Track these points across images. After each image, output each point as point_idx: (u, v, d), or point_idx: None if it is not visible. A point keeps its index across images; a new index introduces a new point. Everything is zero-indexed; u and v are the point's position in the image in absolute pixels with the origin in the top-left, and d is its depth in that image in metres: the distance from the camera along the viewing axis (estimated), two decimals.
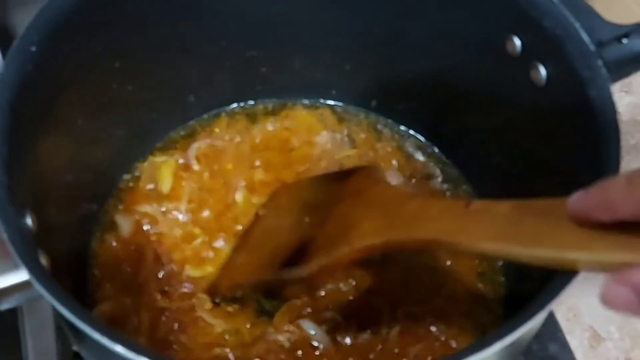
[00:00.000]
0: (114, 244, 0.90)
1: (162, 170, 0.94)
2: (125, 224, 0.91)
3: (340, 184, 0.84)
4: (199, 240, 0.90)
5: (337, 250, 0.76)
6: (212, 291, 0.86)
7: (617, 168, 0.66)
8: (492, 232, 0.66)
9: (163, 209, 0.92)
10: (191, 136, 0.98)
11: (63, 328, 0.82)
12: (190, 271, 0.88)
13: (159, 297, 0.86)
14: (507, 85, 0.82)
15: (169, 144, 0.98)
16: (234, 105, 1.01)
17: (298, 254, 0.79)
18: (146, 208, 0.91)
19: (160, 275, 0.87)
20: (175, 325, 0.84)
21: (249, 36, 0.93)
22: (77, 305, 0.61)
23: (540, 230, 0.63)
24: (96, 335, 0.58)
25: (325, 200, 0.84)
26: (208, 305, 0.85)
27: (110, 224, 0.91)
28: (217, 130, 0.99)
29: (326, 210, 0.82)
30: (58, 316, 0.81)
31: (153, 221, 0.91)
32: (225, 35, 0.92)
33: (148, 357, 0.57)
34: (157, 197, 0.93)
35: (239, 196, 0.93)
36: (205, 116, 1.00)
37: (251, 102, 1.01)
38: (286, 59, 0.96)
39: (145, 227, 0.91)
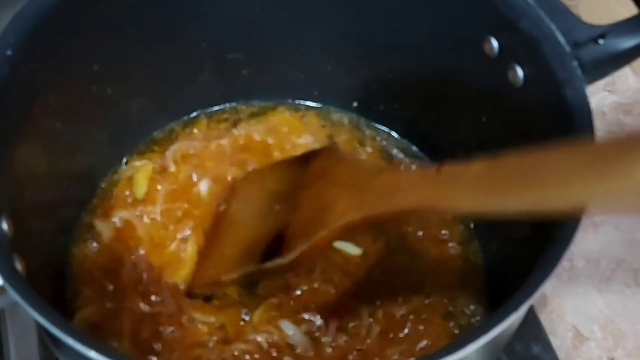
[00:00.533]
0: (93, 249, 0.89)
1: (137, 175, 0.94)
2: (104, 230, 0.90)
3: (303, 168, 0.84)
4: (174, 244, 0.89)
5: (316, 233, 0.77)
6: (190, 291, 0.86)
7: None
8: (468, 192, 0.68)
9: (138, 213, 0.91)
10: (171, 139, 0.98)
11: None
12: (168, 276, 0.87)
13: (140, 302, 0.85)
14: (485, 86, 0.82)
15: (150, 147, 0.97)
16: (216, 107, 1.00)
17: (276, 243, 0.80)
18: (123, 213, 0.91)
19: (141, 279, 0.87)
20: (159, 328, 0.84)
21: (230, 38, 0.93)
22: (51, 311, 0.61)
23: (517, 181, 0.64)
24: (70, 341, 0.58)
25: (291, 185, 0.84)
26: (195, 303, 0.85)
27: (89, 229, 0.91)
28: (196, 132, 0.98)
29: (294, 195, 0.83)
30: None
31: (130, 226, 0.90)
32: (206, 37, 0.92)
33: None
34: (134, 202, 0.92)
35: (203, 187, 0.93)
36: (186, 118, 0.99)
37: (233, 104, 1.01)
38: (268, 60, 0.96)
39: (123, 233, 0.90)
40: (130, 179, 0.94)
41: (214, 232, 0.89)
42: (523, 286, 0.62)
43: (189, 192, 0.93)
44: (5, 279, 0.61)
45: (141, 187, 0.93)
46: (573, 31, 0.74)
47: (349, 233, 0.79)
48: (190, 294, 0.86)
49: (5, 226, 0.67)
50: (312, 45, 0.94)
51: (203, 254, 0.88)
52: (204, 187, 0.93)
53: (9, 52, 0.72)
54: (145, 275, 0.87)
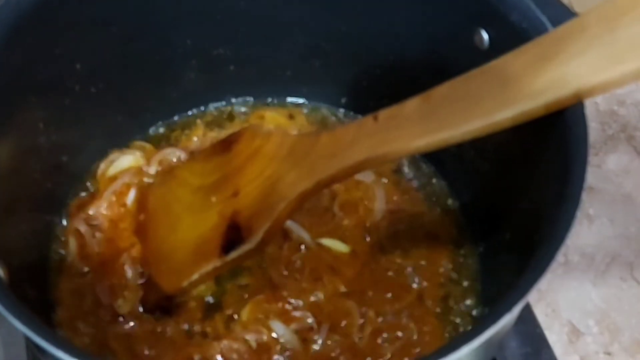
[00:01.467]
0: (73, 250, 0.88)
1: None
2: (84, 231, 0.89)
3: (226, 154, 0.85)
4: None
5: (274, 209, 0.77)
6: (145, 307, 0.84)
7: (585, 155, 0.65)
8: (411, 131, 0.70)
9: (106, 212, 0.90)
10: (157, 139, 0.97)
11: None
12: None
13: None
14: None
15: (135, 147, 0.96)
16: (203, 106, 0.99)
17: (233, 232, 0.79)
18: (93, 214, 0.90)
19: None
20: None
21: (215, 34, 0.92)
22: (31, 318, 0.59)
23: (449, 105, 0.69)
24: (52, 349, 0.57)
25: (219, 173, 0.84)
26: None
27: (69, 230, 0.89)
28: (185, 133, 0.98)
29: (228, 182, 0.82)
30: None
31: (101, 229, 0.89)
32: (191, 34, 0.90)
33: None
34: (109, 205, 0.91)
35: (130, 197, 0.91)
36: (173, 119, 0.98)
37: (223, 103, 1.00)
38: (254, 56, 0.95)
39: (96, 234, 0.89)
40: (109, 181, 0.93)
41: (146, 243, 0.87)
42: (516, 285, 0.61)
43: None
44: None
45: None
46: (563, 22, 0.72)
47: (307, 200, 0.79)
48: (145, 309, 0.84)
49: None
50: (299, 40, 0.93)
51: (148, 268, 0.86)
52: (131, 197, 0.91)
53: None
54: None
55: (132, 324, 0.83)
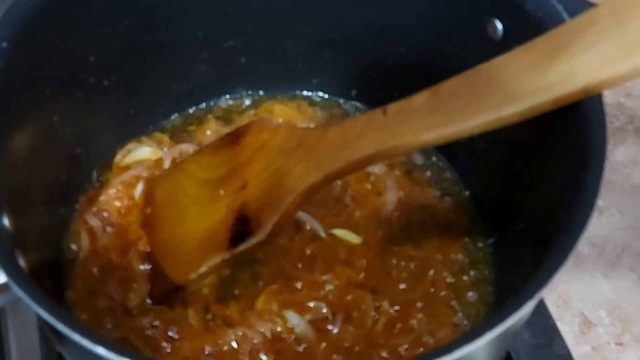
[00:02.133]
0: (84, 246, 0.88)
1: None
2: (95, 225, 0.89)
3: (234, 147, 0.85)
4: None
5: (283, 202, 0.77)
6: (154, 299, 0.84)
7: (604, 143, 0.65)
8: (420, 125, 0.71)
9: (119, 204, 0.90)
10: (169, 132, 0.97)
11: (46, 334, 0.81)
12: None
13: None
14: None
15: (148, 139, 0.96)
16: (214, 98, 0.99)
17: (242, 224, 0.79)
18: (102, 205, 0.90)
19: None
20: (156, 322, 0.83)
21: (226, 26, 0.91)
22: (56, 307, 0.59)
23: (463, 103, 0.69)
24: (76, 337, 0.56)
25: (227, 166, 0.84)
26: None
27: (84, 222, 0.89)
28: (195, 126, 0.98)
29: (236, 175, 0.82)
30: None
31: (110, 222, 0.89)
32: (202, 26, 0.90)
33: (131, 358, 0.56)
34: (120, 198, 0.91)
35: (138, 190, 0.91)
36: (185, 111, 0.99)
37: (232, 96, 1.00)
38: (265, 48, 0.95)
39: (107, 229, 0.89)
40: (122, 170, 0.93)
41: (153, 236, 0.87)
42: (536, 274, 0.60)
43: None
44: (10, 276, 0.59)
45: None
46: (577, 11, 0.72)
47: (316, 193, 0.80)
48: (154, 301, 0.84)
49: (6, 222, 0.66)
50: (309, 32, 0.93)
51: (155, 260, 0.86)
52: (139, 189, 0.92)
53: (4, 45, 0.71)
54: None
55: (147, 317, 0.83)
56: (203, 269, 0.81)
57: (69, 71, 0.81)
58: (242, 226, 0.79)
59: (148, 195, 0.90)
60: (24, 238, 0.69)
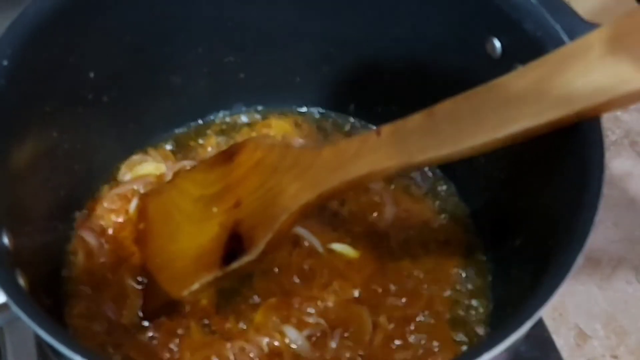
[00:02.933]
0: (79, 263, 0.88)
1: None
2: (91, 241, 0.89)
3: (228, 165, 0.85)
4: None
5: (276, 221, 0.77)
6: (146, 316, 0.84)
7: (602, 160, 0.65)
8: (415, 146, 0.71)
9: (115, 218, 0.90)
10: (171, 147, 0.97)
11: (44, 349, 0.82)
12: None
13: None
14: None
15: (155, 152, 0.96)
16: (214, 114, 0.99)
17: (235, 242, 0.79)
18: (105, 221, 0.90)
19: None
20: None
21: (226, 42, 0.92)
22: (56, 328, 0.59)
23: (458, 125, 0.69)
24: (77, 358, 0.57)
25: (221, 184, 0.84)
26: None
27: (77, 242, 0.89)
28: (195, 142, 0.98)
29: (229, 192, 0.83)
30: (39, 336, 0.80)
31: (105, 237, 0.89)
32: (203, 41, 0.91)
33: None
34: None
35: (132, 205, 0.91)
36: (185, 127, 0.99)
37: (231, 111, 1.00)
38: (264, 63, 0.95)
39: (102, 245, 0.89)
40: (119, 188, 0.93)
41: (146, 252, 0.87)
42: (537, 291, 0.61)
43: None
44: (10, 296, 0.59)
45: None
46: (577, 31, 0.72)
47: (309, 213, 0.80)
48: (147, 317, 0.84)
49: (6, 240, 0.66)
50: (308, 46, 0.93)
51: (149, 276, 0.85)
52: (133, 204, 0.91)
53: (5, 63, 0.71)
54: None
55: (146, 332, 0.83)
56: (195, 286, 0.81)
57: (68, 87, 0.81)
58: (235, 244, 0.79)
59: (142, 210, 0.90)
60: (23, 256, 0.69)
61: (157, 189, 0.91)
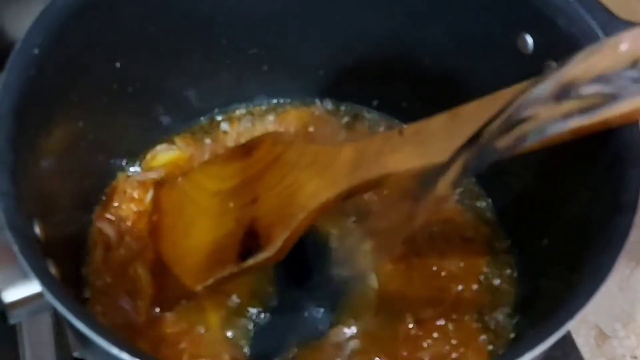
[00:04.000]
0: (102, 253, 0.87)
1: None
2: (110, 233, 0.88)
3: (246, 159, 0.84)
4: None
5: (294, 219, 0.76)
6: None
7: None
8: (436, 148, 0.69)
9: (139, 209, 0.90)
10: (194, 136, 0.96)
11: (61, 340, 0.83)
12: None
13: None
14: (517, 84, 0.80)
15: (171, 144, 0.96)
16: (236, 105, 0.99)
17: (251, 239, 0.78)
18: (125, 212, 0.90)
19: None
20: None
21: (250, 34, 0.91)
22: (88, 317, 0.59)
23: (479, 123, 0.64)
24: (115, 351, 0.56)
25: (238, 179, 0.83)
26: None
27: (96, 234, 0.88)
28: (218, 132, 0.97)
29: (247, 188, 0.82)
30: (58, 329, 0.83)
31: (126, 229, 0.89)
32: (227, 33, 0.90)
33: None
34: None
35: (149, 196, 0.91)
36: (208, 117, 0.98)
37: (253, 103, 0.99)
38: (288, 55, 0.94)
39: (120, 236, 0.88)
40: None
41: (159, 245, 0.86)
42: (575, 295, 0.61)
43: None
44: (46, 286, 0.59)
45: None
46: (611, 28, 0.72)
47: (328, 212, 0.78)
48: (162, 309, 0.83)
49: (37, 231, 0.66)
50: (334, 40, 0.92)
51: (163, 268, 0.85)
52: (150, 195, 0.91)
53: (35, 51, 0.70)
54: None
55: (166, 327, 0.82)
56: (210, 281, 0.80)
57: (95, 77, 0.80)
58: (251, 241, 0.78)
59: (155, 201, 0.90)
60: (55, 246, 0.69)
61: (171, 181, 0.91)
